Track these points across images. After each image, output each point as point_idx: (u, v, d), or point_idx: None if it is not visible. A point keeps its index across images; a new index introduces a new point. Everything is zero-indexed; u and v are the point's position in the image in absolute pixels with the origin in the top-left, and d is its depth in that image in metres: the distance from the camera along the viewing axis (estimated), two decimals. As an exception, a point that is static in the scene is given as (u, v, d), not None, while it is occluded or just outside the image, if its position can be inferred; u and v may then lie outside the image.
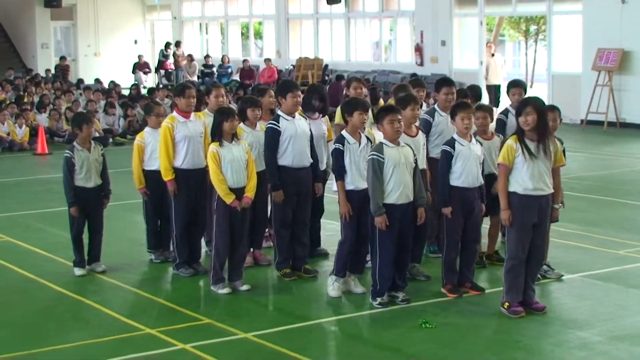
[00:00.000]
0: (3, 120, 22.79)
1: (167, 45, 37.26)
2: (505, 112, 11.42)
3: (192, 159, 10.58)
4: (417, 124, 10.31)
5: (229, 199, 9.81)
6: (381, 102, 24.70)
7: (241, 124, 10.63)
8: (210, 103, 11.21)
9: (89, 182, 10.68)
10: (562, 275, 10.37)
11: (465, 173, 9.64)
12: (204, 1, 39.77)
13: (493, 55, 28.52)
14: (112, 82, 30.66)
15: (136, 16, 42.09)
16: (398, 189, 9.22)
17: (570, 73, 26.46)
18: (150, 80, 37.22)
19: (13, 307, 9.83)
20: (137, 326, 8.96)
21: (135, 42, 41.46)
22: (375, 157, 9.24)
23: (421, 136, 10.29)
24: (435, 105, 11.14)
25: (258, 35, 39.63)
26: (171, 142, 10.52)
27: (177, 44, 37.12)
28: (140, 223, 11.89)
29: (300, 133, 10.44)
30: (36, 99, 26.58)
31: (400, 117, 9.37)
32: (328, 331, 8.90)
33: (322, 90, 11.66)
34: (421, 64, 30.20)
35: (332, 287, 9.81)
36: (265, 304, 9.73)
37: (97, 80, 32.08)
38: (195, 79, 35.04)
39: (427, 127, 10.84)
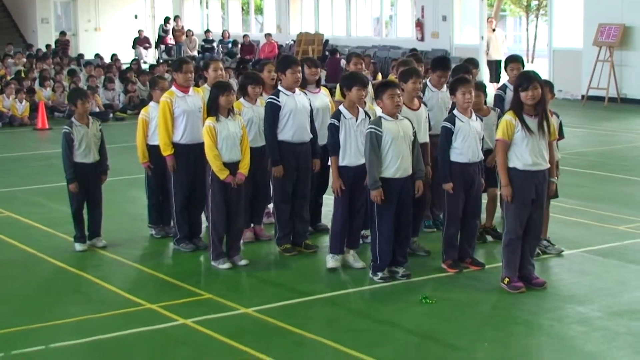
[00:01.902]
0: (9, 94, 22.75)
1: (167, 20, 37.17)
2: (503, 88, 11.41)
3: (191, 133, 10.57)
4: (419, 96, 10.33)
5: (223, 174, 9.81)
6: (379, 77, 24.80)
7: (241, 99, 10.63)
8: (209, 77, 11.19)
9: (87, 157, 10.68)
10: (562, 251, 10.38)
11: (465, 148, 9.63)
12: (205, -24, 39.68)
13: (494, 30, 28.47)
14: (114, 54, 30.56)
15: (136, -9, 41.99)
16: (396, 163, 9.22)
17: (571, 48, 26.40)
18: (150, 56, 37.15)
19: (13, 281, 9.84)
20: (137, 301, 8.98)
21: (136, 17, 41.36)
22: (373, 130, 9.23)
23: (423, 110, 10.28)
24: (428, 81, 11.14)
25: (258, 10, 39.50)
26: (170, 117, 10.52)
27: (176, 19, 37.02)
28: (141, 198, 11.90)
29: (300, 108, 10.43)
30: (36, 74, 26.52)
31: (399, 91, 9.36)
32: (328, 306, 8.91)
33: (313, 60, 11.53)
34: (422, 39, 30.13)
35: (330, 260, 9.84)
36: (265, 279, 9.74)
37: (98, 56, 31.99)
38: (195, 54, 34.98)
39: None
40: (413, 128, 9.45)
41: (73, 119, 10.77)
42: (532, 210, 9.04)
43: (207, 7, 40.27)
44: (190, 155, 10.58)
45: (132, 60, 30.26)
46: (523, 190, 8.95)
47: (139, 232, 11.53)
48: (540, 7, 39.37)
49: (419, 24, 30.25)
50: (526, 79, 8.93)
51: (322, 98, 11.04)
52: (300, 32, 33.11)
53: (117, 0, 40.78)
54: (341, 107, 9.81)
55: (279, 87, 10.55)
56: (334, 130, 9.69)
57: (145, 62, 34.76)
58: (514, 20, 47.57)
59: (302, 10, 35.68)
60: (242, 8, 39.69)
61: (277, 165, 10.37)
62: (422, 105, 10.33)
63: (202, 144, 10.40)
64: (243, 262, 10.06)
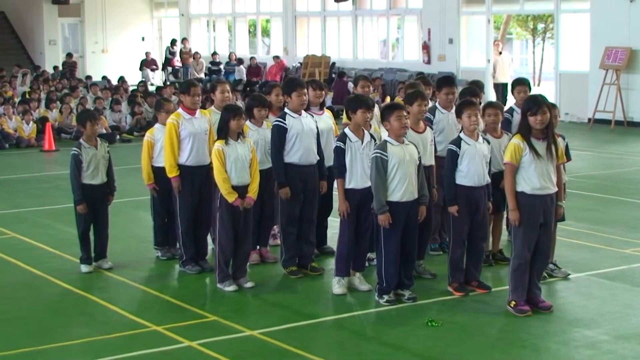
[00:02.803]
0: (10, 115, 22.83)
1: (174, 42, 37.30)
2: (510, 111, 11.41)
3: (196, 155, 10.58)
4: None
5: (231, 197, 9.82)
6: (387, 99, 24.84)
7: (247, 122, 10.64)
8: (216, 99, 11.22)
9: (95, 178, 10.70)
10: (569, 274, 10.36)
11: (471, 172, 9.62)
12: (212, -2, 39.80)
13: (500, 53, 28.50)
14: (121, 77, 30.65)
15: (144, 13, 42.12)
16: (402, 187, 9.22)
17: (577, 71, 26.41)
18: (157, 78, 37.26)
19: (20, 303, 9.84)
20: (143, 323, 8.97)
21: (143, 39, 41.50)
22: (378, 155, 9.24)
23: (429, 132, 10.30)
24: (437, 103, 11.16)
25: (265, 32, 39.62)
26: (176, 139, 10.54)
27: (183, 41, 37.14)
28: (147, 220, 11.91)
29: (306, 130, 10.44)
30: (43, 95, 26.61)
31: (406, 113, 9.37)
32: (334, 329, 8.90)
33: (318, 83, 11.55)
34: (428, 62, 30.18)
35: (336, 285, 9.82)
36: (271, 301, 9.73)
37: (105, 78, 32.10)
38: (202, 76, 35.07)
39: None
40: (418, 153, 9.45)
41: (81, 140, 10.79)
42: (540, 234, 9.03)
43: (214, 30, 40.39)
44: (196, 177, 10.58)
45: (139, 82, 30.33)
46: (531, 215, 8.94)
47: (144, 254, 11.53)
48: (546, 30, 39.41)
49: (426, 47, 30.30)
50: (535, 103, 8.92)
51: (325, 120, 11.06)
52: (307, 55, 33.18)
53: (124, 22, 40.92)
54: (346, 130, 9.81)
55: (285, 110, 10.57)
56: (340, 153, 9.68)
57: (152, 84, 34.85)
58: (520, 43, 47.59)
59: (308, 32, 35.78)
60: (249, 30, 39.80)
61: (284, 187, 10.38)
62: (428, 128, 10.35)
63: (207, 166, 10.44)
64: (249, 284, 10.05)
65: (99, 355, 8.16)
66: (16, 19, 40.20)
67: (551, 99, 11.88)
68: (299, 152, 10.41)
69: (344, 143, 9.67)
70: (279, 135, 10.41)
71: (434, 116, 10.96)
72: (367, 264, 10.22)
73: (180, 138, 10.56)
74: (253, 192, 10.03)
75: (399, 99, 11.84)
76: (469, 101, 9.97)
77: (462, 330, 8.72)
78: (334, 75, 30.56)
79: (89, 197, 10.69)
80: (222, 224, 9.93)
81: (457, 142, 9.71)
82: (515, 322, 8.91)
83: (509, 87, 13.21)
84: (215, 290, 10.01)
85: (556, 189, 9.05)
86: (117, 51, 40.31)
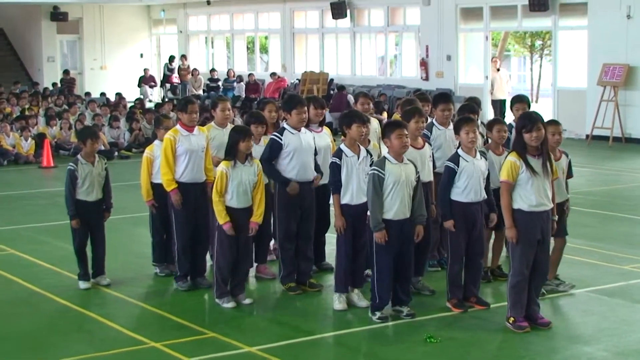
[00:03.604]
0: (8, 132, 22.85)
1: (172, 59, 37.37)
2: (510, 128, 11.42)
3: (191, 172, 10.56)
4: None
5: (222, 220, 9.81)
6: (385, 115, 24.89)
7: None
8: (217, 117, 11.22)
9: (90, 195, 10.70)
10: (574, 286, 10.38)
11: (468, 188, 9.62)
12: (210, 15, 39.87)
13: (498, 70, 28.55)
14: (118, 94, 30.70)
15: (142, 30, 42.20)
16: (395, 206, 9.19)
17: (575, 88, 26.46)
18: (156, 94, 37.31)
19: (18, 319, 9.82)
20: (141, 340, 8.95)
21: (141, 55, 41.57)
22: (376, 172, 9.22)
23: (427, 148, 10.31)
24: (434, 120, 11.16)
25: (264, 49, 39.70)
26: (172, 154, 10.52)
27: (182, 58, 37.19)
28: (145, 236, 11.90)
29: (304, 147, 10.43)
30: (41, 111, 26.64)
31: (407, 131, 9.37)
32: (332, 346, 8.88)
33: (322, 102, 11.56)
34: (426, 79, 30.22)
35: (337, 301, 9.81)
36: (269, 318, 9.71)
37: (103, 94, 32.15)
38: (200, 92, 35.13)
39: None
40: (417, 173, 9.40)
41: (79, 156, 10.79)
42: (538, 251, 9.03)
43: (212, 46, 40.46)
44: (191, 194, 10.56)
45: (136, 100, 30.37)
46: (529, 232, 8.95)
47: (143, 270, 11.52)
48: (544, 47, 39.47)
49: (424, 64, 30.35)
50: (529, 120, 8.93)
51: (324, 138, 11.04)
52: (305, 71, 33.24)
53: (122, 39, 40.99)
54: (342, 146, 9.81)
55: (284, 125, 10.57)
56: (335, 169, 9.69)
57: (150, 101, 34.92)
58: (518, 60, 47.63)
59: (307, 49, 35.85)
60: (248, 47, 39.88)
61: (289, 184, 10.35)
62: (427, 144, 10.36)
63: (202, 183, 10.48)
64: (247, 301, 10.03)
65: (97, 371, 8.16)
66: (14, 35, 40.27)
67: (549, 115, 11.93)
68: (295, 169, 10.39)
69: (340, 159, 9.68)
70: (272, 148, 10.40)
71: (431, 133, 10.96)
72: (367, 280, 10.21)
73: (176, 154, 10.55)
74: (258, 217, 10.01)
75: (397, 116, 11.83)
76: (468, 118, 9.98)
77: (461, 346, 8.71)
78: (332, 92, 30.62)
79: (84, 213, 10.69)
80: (221, 245, 9.90)
81: (455, 159, 9.70)
82: (514, 338, 8.89)
83: (507, 104, 13.28)
84: (214, 307, 9.99)
85: (552, 205, 9.07)
86: (115, 68, 40.37)
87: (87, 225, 10.76)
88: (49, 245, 13.15)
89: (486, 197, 9.81)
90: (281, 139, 10.39)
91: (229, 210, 9.82)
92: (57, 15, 38.56)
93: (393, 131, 9.26)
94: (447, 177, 9.71)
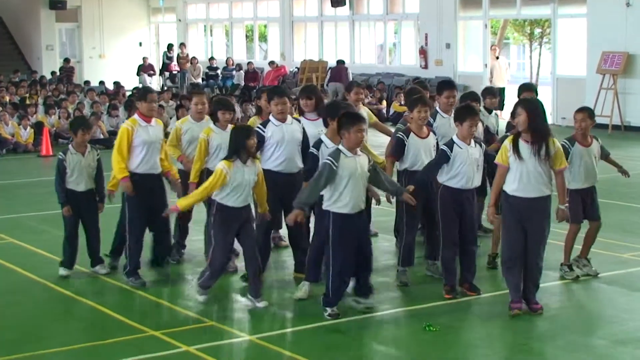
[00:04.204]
0: (7, 121, 22.83)
1: (170, 47, 37.30)
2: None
3: (147, 164, 10.34)
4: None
5: (182, 204, 9.65)
6: (384, 103, 24.91)
7: (211, 125, 10.64)
8: (191, 110, 11.23)
9: (79, 185, 10.66)
10: (598, 273, 10.54)
11: (460, 175, 9.67)
12: (209, 4, 39.81)
13: (497, 58, 28.53)
14: (116, 82, 30.66)
15: (141, 18, 42.13)
16: (352, 200, 9.01)
17: (574, 76, 26.44)
18: (155, 83, 37.26)
19: (16, 308, 9.83)
20: (140, 328, 8.95)
21: (140, 44, 41.50)
22: (329, 163, 8.95)
23: (432, 137, 10.34)
24: (437, 108, 11.14)
25: (263, 38, 39.64)
26: (127, 145, 10.24)
27: (181, 46, 37.14)
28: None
29: (288, 139, 10.28)
30: (40, 100, 26.62)
31: (366, 126, 9.22)
32: (332, 333, 8.88)
33: (314, 91, 11.52)
34: (425, 67, 30.20)
35: (299, 291, 9.81)
36: (268, 306, 9.69)
37: (102, 83, 32.10)
38: (199, 81, 35.09)
39: None
40: (370, 163, 9.20)
41: (70, 146, 10.79)
42: (529, 239, 9.04)
43: (211, 35, 40.40)
44: (145, 185, 10.30)
45: (135, 88, 30.32)
46: (510, 214, 9.10)
47: (141, 259, 11.48)
48: (543, 35, 39.40)
49: (423, 52, 30.32)
50: (514, 106, 9.25)
51: (319, 126, 10.84)
52: (304, 60, 33.22)
53: (121, 28, 40.92)
54: (323, 137, 9.78)
55: (270, 117, 10.50)
56: (313, 159, 9.64)
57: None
58: (517, 47, 47.58)
59: (306, 37, 35.80)
60: (246, 35, 39.82)
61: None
62: (431, 133, 10.38)
63: (158, 175, 10.38)
64: (262, 304, 9.54)
65: (96, 360, 8.17)
66: (13, 24, 40.19)
67: (548, 103, 11.96)
68: (278, 161, 10.30)
69: (318, 150, 9.66)
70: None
71: (434, 120, 10.95)
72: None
73: (133, 145, 10.30)
74: (265, 209, 9.91)
75: (396, 104, 11.86)
76: (472, 111, 9.87)
77: (460, 334, 8.73)
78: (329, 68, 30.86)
79: (73, 202, 10.67)
80: (219, 243, 9.54)
81: (450, 145, 9.73)
82: (514, 326, 8.90)
83: (506, 92, 13.33)
84: (214, 295, 9.98)
85: (545, 194, 9.05)
86: (114, 56, 40.29)
87: (78, 214, 10.73)
88: (47, 234, 13.14)
89: (479, 184, 9.86)
90: (264, 131, 10.30)
91: (223, 208, 9.49)
92: (56, 4, 38.48)
93: (353, 125, 9.01)
94: (437, 158, 9.80)
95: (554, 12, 26.81)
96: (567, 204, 9.31)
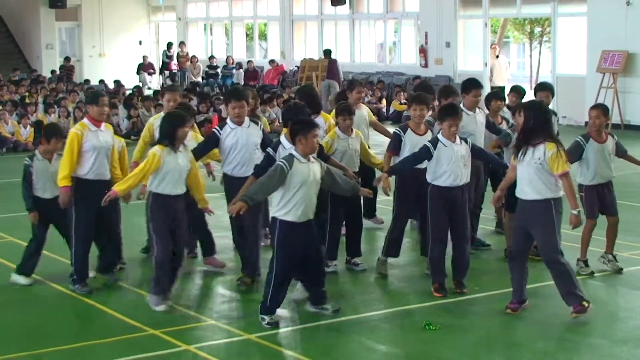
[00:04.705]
0: (6, 120, 22.82)
1: (170, 45, 37.27)
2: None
3: (97, 169, 10.09)
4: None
5: (120, 187, 9.43)
6: (384, 102, 24.85)
7: None
8: (164, 106, 11.24)
9: (45, 193, 10.39)
10: (622, 269, 10.74)
11: (448, 173, 9.73)
12: (209, 2, 39.81)
13: (497, 56, 28.54)
14: (116, 81, 30.66)
15: (141, 17, 42.11)
16: (301, 207, 8.80)
17: (574, 75, 26.44)
18: (154, 81, 37.25)
19: (16, 307, 9.84)
20: (140, 327, 8.96)
21: (140, 43, 41.47)
22: (282, 166, 8.75)
23: (429, 135, 10.39)
24: (461, 105, 11.19)
25: (263, 36, 39.63)
26: (77, 150, 9.99)
27: (181, 45, 37.12)
28: (141, 224, 11.86)
29: (243, 143, 10.12)
30: (40, 99, 26.62)
31: (318, 132, 9.06)
32: (332, 332, 8.88)
33: (310, 92, 11.47)
34: (425, 66, 30.19)
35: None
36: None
37: (101, 82, 32.09)
38: (199, 79, 35.08)
39: None
40: (321, 170, 9.04)
41: (37, 152, 10.50)
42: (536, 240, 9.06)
43: (211, 34, 40.39)
44: (95, 192, 9.85)
45: (135, 87, 30.33)
46: (516, 215, 9.30)
47: (139, 257, 11.51)
48: (543, 33, 39.40)
49: (423, 51, 30.31)
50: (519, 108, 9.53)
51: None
52: (304, 58, 33.21)
53: (121, 26, 40.89)
54: (282, 138, 9.61)
55: (227, 119, 10.35)
56: (268, 159, 9.44)
57: (149, 88, 34.86)
58: (517, 46, 47.57)
59: (306, 36, 35.80)
60: (247, 34, 39.81)
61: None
62: (429, 131, 10.49)
63: (108, 181, 10.04)
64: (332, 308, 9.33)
65: (96, 359, 8.15)
66: (13, 22, 40.17)
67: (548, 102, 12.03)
68: (232, 164, 10.17)
69: (276, 151, 9.45)
70: (206, 141, 10.35)
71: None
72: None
73: (83, 150, 10.02)
74: (203, 202, 9.85)
75: (395, 103, 11.92)
76: (453, 110, 9.91)
77: (460, 333, 8.72)
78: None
79: (41, 209, 10.39)
80: (156, 231, 9.44)
81: (435, 142, 9.81)
82: (514, 325, 8.92)
83: (506, 91, 13.40)
84: (213, 294, 10.00)
85: (531, 198, 8.93)
86: (114, 55, 40.26)
87: (46, 221, 10.44)
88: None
89: (468, 181, 9.90)
90: (220, 133, 10.17)
91: (160, 197, 9.42)
92: (56, 2, 38.43)
93: (308, 131, 8.84)
94: (418, 152, 9.91)
95: (554, 11, 26.81)
96: (578, 209, 9.03)
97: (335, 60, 28.79)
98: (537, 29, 40.66)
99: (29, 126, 22.91)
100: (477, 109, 11.22)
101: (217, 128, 10.29)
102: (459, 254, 9.94)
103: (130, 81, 33.87)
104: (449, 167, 9.66)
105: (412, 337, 8.68)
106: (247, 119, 10.31)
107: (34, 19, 39.41)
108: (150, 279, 9.63)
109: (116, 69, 37.82)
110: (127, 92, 28.87)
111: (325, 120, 11.38)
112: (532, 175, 8.89)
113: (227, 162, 10.22)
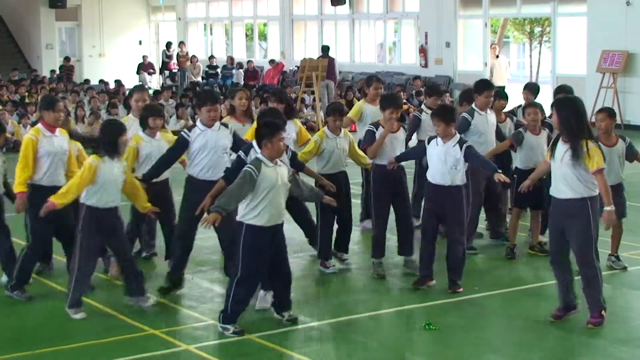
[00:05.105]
0: (6, 120, 22.82)
1: (169, 45, 37.25)
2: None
3: (51, 176, 9.95)
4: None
5: (59, 199, 9.18)
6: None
7: (140, 132, 10.45)
8: (133, 107, 11.19)
9: None
10: (626, 267, 10.83)
11: (432, 171, 9.96)
12: (209, 2, 39.79)
13: (497, 56, 28.54)
14: (117, 81, 30.66)
15: (141, 17, 42.09)
16: (269, 212, 8.62)
17: (574, 75, 26.39)
18: (155, 81, 37.25)
19: (16, 307, 9.82)
20: (140, 327, 8.96)
21: (140, 42, 41.46)
22: (250, 171, 8.54)
23: (401, 132, 10.70)
24: (474, 105, 11.51)
25: (262, 36, 39.63)
26: (32, 156, 9.88)
27: (180, 45, 37.12)
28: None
29: (212, 145, 9.89)
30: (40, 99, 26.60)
31: (283, 136, 8.85)
32: (331, 333, 8.88)
33: (283, 95, 11.45)
34: (425, 66, 30.18)
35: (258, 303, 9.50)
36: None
37: (102, 81, 32.09)
38: (199, 79, 35.07)
39: (465, 125, 11.29)
40: (289, 173, 8.93)
41: None
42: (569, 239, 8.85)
43: (211, 33, 40.38)
44: (49, 198, 9.44)
45: (134, 87, 30.27)
46: (551, 214, 9.11)
47: (138, 258, 11.49)
48: (543, 33, 39.40)
49: (423, 50, 30.30)
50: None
51: (289, 130, 10.61)
52: (304, 58, 33.17)
53: (121, 26, 40.88)
54: (254, 142, 9.24)
55: (197, 122, 10.15)
56: (238, 162, 9.23)
57: (149, 88, 34.84)
58: (517, 46, 47.56)
59: (306, 36, 35.78)
60: (246, 34, 39.80)
61: (145, 181, 9.96)
62: (402, 128, 10.77)
63: (61, 188, 9.73)
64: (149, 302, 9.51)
65: (96, 359, 8.15)
66: (13, 22, 40.16)
67: (548, 102, 12.14)
68: (199, 166, 9.92)
69: (247, 154, 9.22)
70: (175, 145, 10.12)
71: (472, 118, 11.41)
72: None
73: (37, 156, 9.90)
74: (144, 208, 9.72)
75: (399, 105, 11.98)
76: (396, 103, 10.56)
77: (460, 333, 8.72)
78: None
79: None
80: (83, 247, 9.24)
81: (430, 140, 10.13)
82: (514, 324, 8.93)
83: (506, 91, 13.54)
84: (213, 294, 9.99)
85: (566, 197, 8.72)
86: (114, 55, 40.25)
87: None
88: (47, 232, 13.11)
89: (457, 183, 9.92)
90: (189, 136, 9.94)
91: (92, 210, 9.21)
92: (56, 2, 38.42)
93: (274, 134, 8.66)
94: (418, 148, 10.69)
95: (554, 11, 26.81)
96: (612, 206, 8.77)
97: (332, 59, 28.75)
98: (537, 29, 40.67)
99: (29, 126, 22.88)
100: (488, 110, 11.56)
101: (186, 131, 10.00)
102: (453, 255, 10.01)
103: (130, 81, 33.86)
104: (434, 166, 9.97)
105: (412, 337, 8.68)
106: (217, 122, 10.08)
107: (34, 19, 39.39)
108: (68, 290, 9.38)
109: (116, 68, 37.80)
110: (127, 92, 28.84)
111: (295, 125, 11.25)
112: (568, 173, 8.68)
113: (194, 164, 9.95)
